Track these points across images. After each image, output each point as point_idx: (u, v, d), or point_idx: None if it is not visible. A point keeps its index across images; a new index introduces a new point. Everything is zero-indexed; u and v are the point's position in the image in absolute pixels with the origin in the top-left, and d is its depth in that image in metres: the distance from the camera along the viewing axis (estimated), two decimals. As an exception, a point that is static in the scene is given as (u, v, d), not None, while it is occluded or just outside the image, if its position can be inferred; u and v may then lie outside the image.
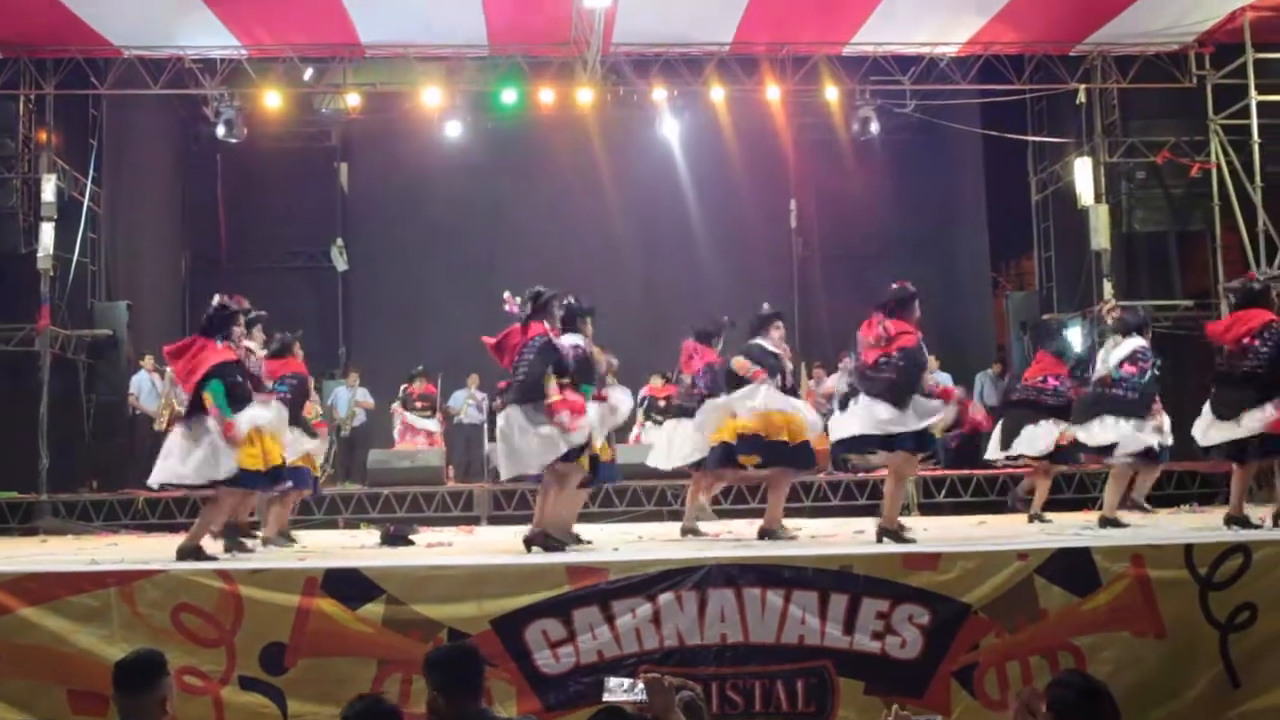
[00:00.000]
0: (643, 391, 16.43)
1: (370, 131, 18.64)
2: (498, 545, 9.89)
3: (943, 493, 14.88)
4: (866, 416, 8.72)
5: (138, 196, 17.89)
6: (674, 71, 16.80)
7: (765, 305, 10.40)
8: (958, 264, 19.46)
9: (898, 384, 8.64)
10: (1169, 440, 10.79)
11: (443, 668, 5.28)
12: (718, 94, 16.92)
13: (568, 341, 9.00)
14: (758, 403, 9.45)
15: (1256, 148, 15.68)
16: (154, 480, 8.66)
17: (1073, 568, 7.13)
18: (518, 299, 9.05)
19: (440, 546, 9.95)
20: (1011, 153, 18.48)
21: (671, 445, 10.77)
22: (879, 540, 8.60)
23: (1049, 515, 11.81)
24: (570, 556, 7.74)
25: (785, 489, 10.18)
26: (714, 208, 18.90)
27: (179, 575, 6.84)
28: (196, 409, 8.47)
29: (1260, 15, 15.17)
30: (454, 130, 17.54)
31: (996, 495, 14.58)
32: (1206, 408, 9.64)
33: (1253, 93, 15.63)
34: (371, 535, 11.05)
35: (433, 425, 16.13)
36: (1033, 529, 10.48)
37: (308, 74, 16.81)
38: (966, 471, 14.84)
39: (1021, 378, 12.25)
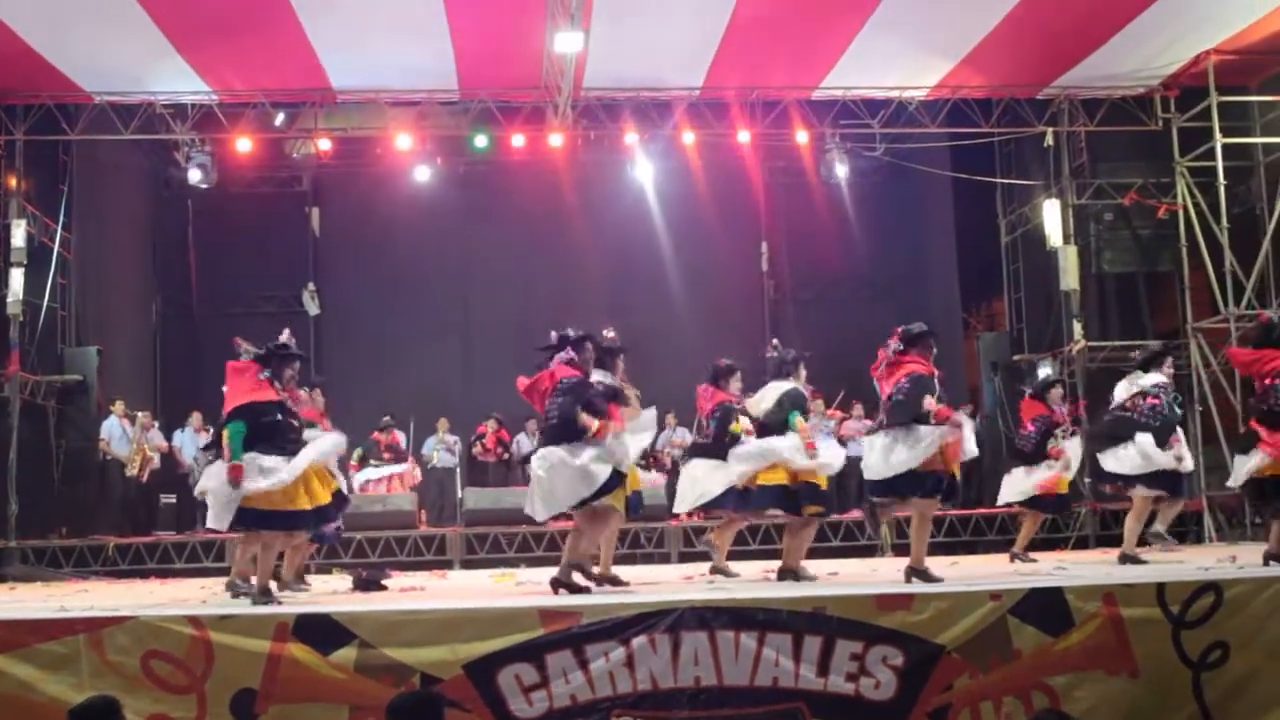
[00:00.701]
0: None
1: (342, 176, 18.68)
2: (470, 589, 9.87)
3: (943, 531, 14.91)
4: (883, 459, 8.90)
5: (108, 241, 17.85)
6: (645, 115, 16.91)
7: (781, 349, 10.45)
8: (928, 305, 19.49)
9: (902, 405, 8.84)
10: (1188, 468, 10.94)
11: (404, 715, 5.27)
12: (689, 137, 17.02)
13: (594, 378, 8.97)
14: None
15: (1222, 189, 15.85)
16: (217, 524, 8.55)
17: (1046, 607, 7.13)
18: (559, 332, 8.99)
19: (413, 591, 9.90)
20: (980, 195, 18.64)
21: (697, 486, 10.62)
22: (907, 580, 8.60)
23: (1033, 556, 11.90)
24: (543, 600, 7.71)
25: (812, 531, 10.20)
26: (686, 250, 18.95)
27: (148, 622, 6.78)
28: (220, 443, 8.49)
29: (1224, 59, 15.37)
30: (425, 175, 17.59)
31: (970, 535, 14.63)
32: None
33: (1217, 135, 15.80)
34: (344, 580, 10.99)
35: (398, 467, 16.03)
36: (1006, 569, 10.49)
37: (279, 119, 16.86)
38: (939, 512, 14.83)
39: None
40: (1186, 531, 15.33)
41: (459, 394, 18.01)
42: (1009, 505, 12.32)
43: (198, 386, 18.61)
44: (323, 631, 6.77)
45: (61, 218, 16.77)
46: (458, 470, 16.70)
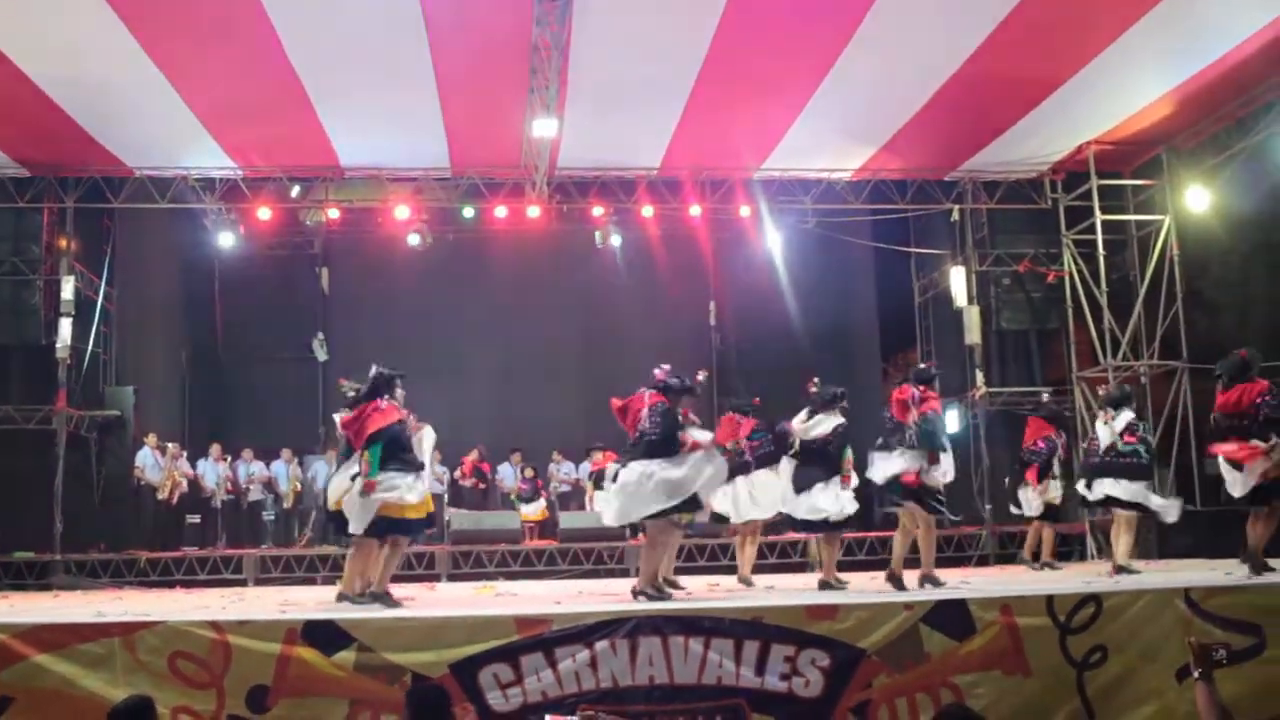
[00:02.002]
0: (590, 466, 16.43)
1: (348, 241, 18.63)
2: (455, 599, 9.79)
3: (842, 550, 14.86)
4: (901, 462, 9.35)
5: (144, 295, 17.77)
6: (610, 192, 16.94)
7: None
8: (853, 356, 19.59)
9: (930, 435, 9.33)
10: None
11: (419, 703, 5.25)
12: (648, 211, 17.03)
13: None
14: None
15: (1101, 259, 15.99)
16: (355, 529, 8.67)
17: (952, 616, 7.13)
18: (667, 367, 9.05)
19: (406, 600, 9.81)
20: (897, 262, 18.77)
21: (739, 501, 10.90)
22: (921, 586, 8.94)
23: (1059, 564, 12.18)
24: (520, 609, 7.67)
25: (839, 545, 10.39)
26: (644, 307, 18.96)
27: (175, 626, 6.71)
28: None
29: (1102, 148, 15.56)
30: (420, 240, 17.55)
31: (885, 554, 14.59)
32: (1227, 467, 9.60)
33: (1097, 213, 15.96)
34: (345, 591, 10.88)
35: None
36: (913, 584, 10.45)
37: (294, 191, 16.81)
38: (861, 534, 14.83)
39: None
40: (1071, 551, 15.39)
41: (449, 430, 17.75)
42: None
43: (220, 422, 18.57)
44: (327, 636, 6.73)
45: (104, 274, 16.79)
46: (444, 495, 16.60)
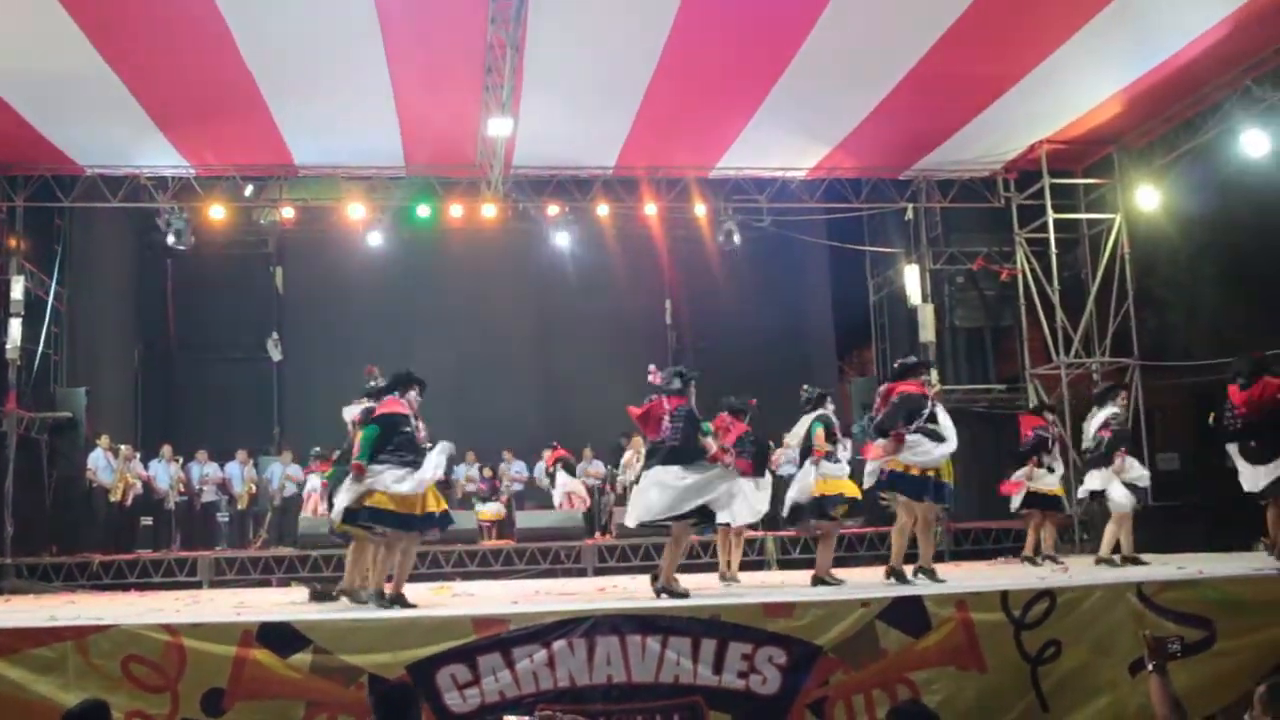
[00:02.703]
0: (545, 463, 16.40)
1: (302, 240, 18.50)
2: (412, 600, 9.72)
3: (797, 550, 14.93)
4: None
5: (96, 295, 17.58)
6: (565, 191, 16.92)
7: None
8: (808, 354, 19.66)
9: (890, 415, 9.48)
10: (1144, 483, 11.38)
11: (388, 704, 5.23)
12: (603, 210, 17.04)
13: None
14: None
15: (1054, 257, 16.15)
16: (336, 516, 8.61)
17: (908, 613, 7.19)
18: (661, 371, 9.10)
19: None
20: (852, 260, 18.85)
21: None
22: (915, 576, 9.06)
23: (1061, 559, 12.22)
24: (478, 609, 7.64)
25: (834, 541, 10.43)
26: (600, 307, 18.95)
27: (128, 630, 6.66)
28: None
29: (1054, 148, 15.70)
30: (375, 240, 17.45)
31: (843, 552, 14.64)
32: (1244, 461, 9.92)
33: (1049, 211, 16.12)
34: (301, 592, 10.81)
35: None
36: (875, 580, 10.45)
37: (248, 190, 16.71)
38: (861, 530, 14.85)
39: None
40: (1023, 547, 15.48)
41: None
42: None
43: (173, 423, 18.41)
44: (282, 638, 6.70)
45: (55, 274, 16.60)
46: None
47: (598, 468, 17.52)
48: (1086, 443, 11.60)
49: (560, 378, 18.72)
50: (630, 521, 8.87)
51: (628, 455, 17.02)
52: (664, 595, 8.22)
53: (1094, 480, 11.34)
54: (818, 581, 9.73)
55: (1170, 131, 15.24)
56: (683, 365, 9.34)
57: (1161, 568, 9.85)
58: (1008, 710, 7.05)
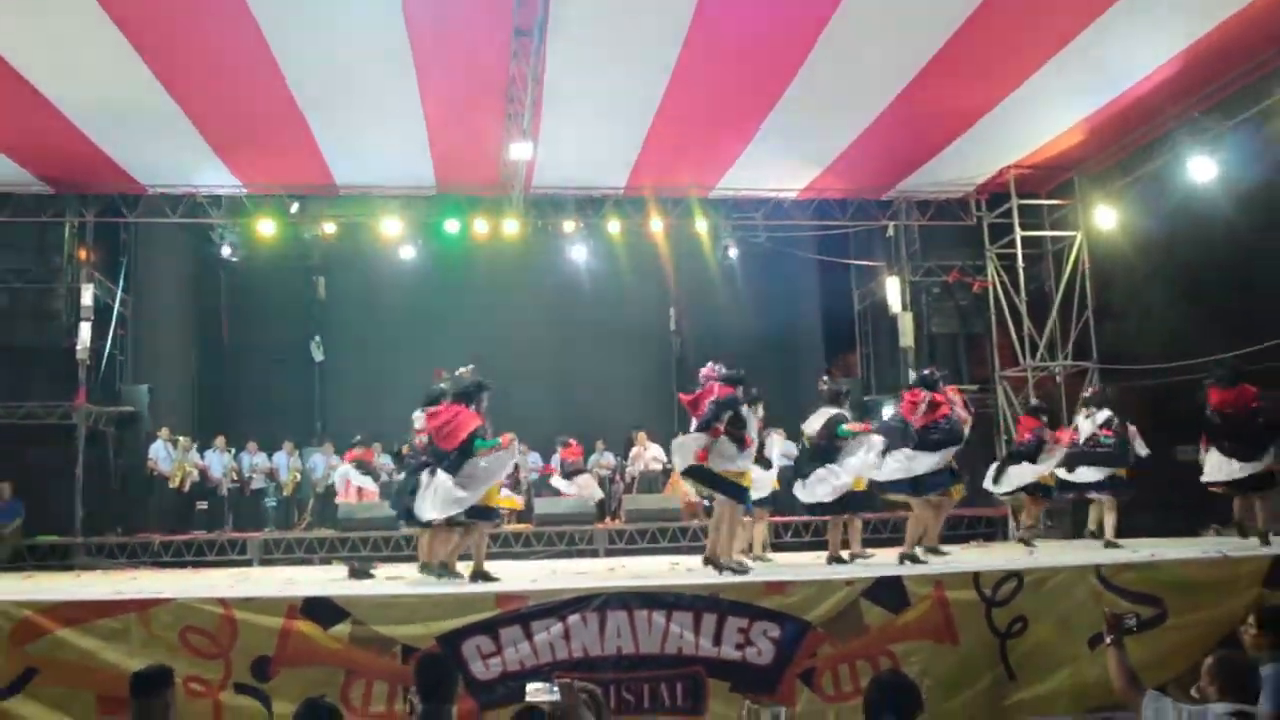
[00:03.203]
0: (557, 456, 16.38)
1: (342, 253, 18.47)
2: (428, 575, 9.72)
3: (789, 534, 14.92)
4: (906, 465, 9.61)
5: (157, 302, 17.69)
6: (580, 208, 16.95)
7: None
8: (798, 357, 19.62)
9: (940, 443, 9.51)
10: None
11: (428, 671, 5.23)
12: (614, 226, 17.01)
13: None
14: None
15: (1021, 271, 16.15)
16: (439, 515, 8.69)
17: (889, 591, 7.17)
18: (718, 367, 9.11)
19: (395, 579, 9.77)
20: (839, 273, 18.84)
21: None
22: (900, 562, 9.02)
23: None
24: (499, 587, 7.64)
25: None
26: (611, 314, 18.91)
27: (186, 603, 6.67)
28: (460, 460, 8.61)
29: (1021, 172, 15.71)
30: (407, 252, 17.46)
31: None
32: (1220, 457, 10.20)
33: (1017, 229, 16.12)
34: (340, 570, 10.83)
35: (368, 483, 15.84)
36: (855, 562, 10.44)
37: (293, 207, 16.68)
38: (806, 518, 14.82)
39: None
40: (995, 532, 15.48)
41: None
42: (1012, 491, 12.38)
43: (226, 416, 18.40)
44: (324, 611, 6.70)
45: (121, 283, 16.74)
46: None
47: (608, 459, 17.51)
48: (1084, 435, 11.66)
49: (574, 378, 18.70)
50: (695, 494, 8.96)
51: (635, 449, 17.06)
52: (726, 572, 8.28)
53: (1101, 473, 11.41)
54: (834, 561, 9.82)
55: (1126, 158, 15.24)
56: (740, 369, 9.30)
57: (1118, 551, 9.85)
58: (979, 680, 7.03)
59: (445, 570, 8.80)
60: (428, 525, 9.03)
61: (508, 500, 16.15)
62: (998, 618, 7.17)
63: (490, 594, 6.97)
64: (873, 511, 12.29)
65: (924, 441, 9.68)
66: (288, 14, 10.71)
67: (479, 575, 8.48)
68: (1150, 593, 7.42)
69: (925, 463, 9.65)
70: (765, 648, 6.89)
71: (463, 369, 9.47)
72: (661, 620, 6.83)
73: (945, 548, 10.59)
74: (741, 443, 8.68)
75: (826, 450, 9.85)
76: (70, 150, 13.93)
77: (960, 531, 14.99)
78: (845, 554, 10.17)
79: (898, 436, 9.83)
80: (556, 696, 4.52)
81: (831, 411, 9.98)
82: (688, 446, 8.75)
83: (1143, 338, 16.34)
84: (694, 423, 8.90)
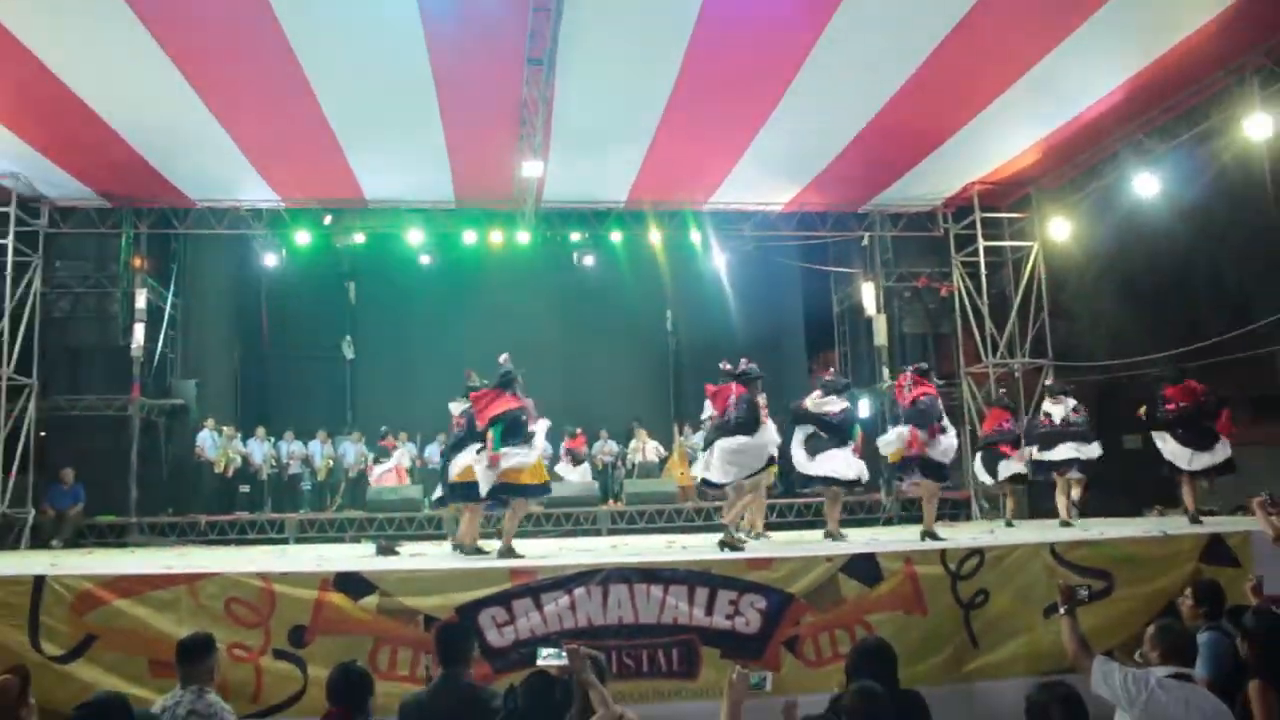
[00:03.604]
0: (564, 445, 16.38)
1: (371, 260, 18.45)
2: (459, 554, 9.73)
3: (774, 515, 14.92)
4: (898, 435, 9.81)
5: (204, 305, 17.69)
6: (586, 221, 16.94)
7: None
8: (782, 355, 19.63)
9: (921, 414, 9.62)
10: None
11: (447, 636, 5.25)
12: (616, 237, 17.03)
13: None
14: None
15: (984, 277, 16.18)
16: (483, 494, 8.68)
17: (864, 567, 7.18)
18: (747, 365, 9.30)
19: (418, 556, 9.78)
20: (819, 278, 18.86)
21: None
22: (922, 539, 9.04)
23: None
24: (512, 562, 7.64)
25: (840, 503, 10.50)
26: (613, 316, 18.93)
27: (229, 576, 6.67)
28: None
29: (984, 187, 15.72)
30: (429, 260, 17.48)
31: (814, 517, 14.60)
32: (1178, 445, 10.42)
33: (980, 240, 16.14)
34: (369, 548, 10.84)
35: (385, 468, 15.91)
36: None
37: (327, 219, 16.68)
38: (789, 500, 14.86)
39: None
40: (959, 513, 15.50)
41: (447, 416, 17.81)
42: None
43: (266, 408, 18.42)
44: (354, 584, 6.70)
45: (171, 287, 16.77)
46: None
47: (611, 447, 17.54)
48: (1057, 419, 11.76)
49: (579, 374, 18.67)
50: (720, 478, 9.03)
51: (635, 443, 17.08)
52: (724, 549, 8.31)
53: (1081, 450, 11.50)
54: (829, 536, 9.92)
55: (1078, 175, 15.25)
56: (754, 364, 9.40)
57: (1069, 530, 9.86)
58: (945, 646, 7.05)
59: (477, 550, 8.84)
60: (477, 501, 8.94)
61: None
62: (962, 590, 7.19)
63: (504, 569, 6.97)
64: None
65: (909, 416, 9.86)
66: (322, 44, 10.72)
67: (507, 552, 8.41)
68: (1099, 567, 7.45)
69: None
70: (753, 618, 6.90)
71: (501, 356, 9.35)
72: (659, 593, 6.83)
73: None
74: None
75: (840, 432, 10.01)
76: (127, 169, 13.94)
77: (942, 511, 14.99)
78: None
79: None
80: (565, 661, 4.55)
81: (846, 403, 10.25)
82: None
83: (1093, 336, 16.42)
84: (709, 411, 9.30)
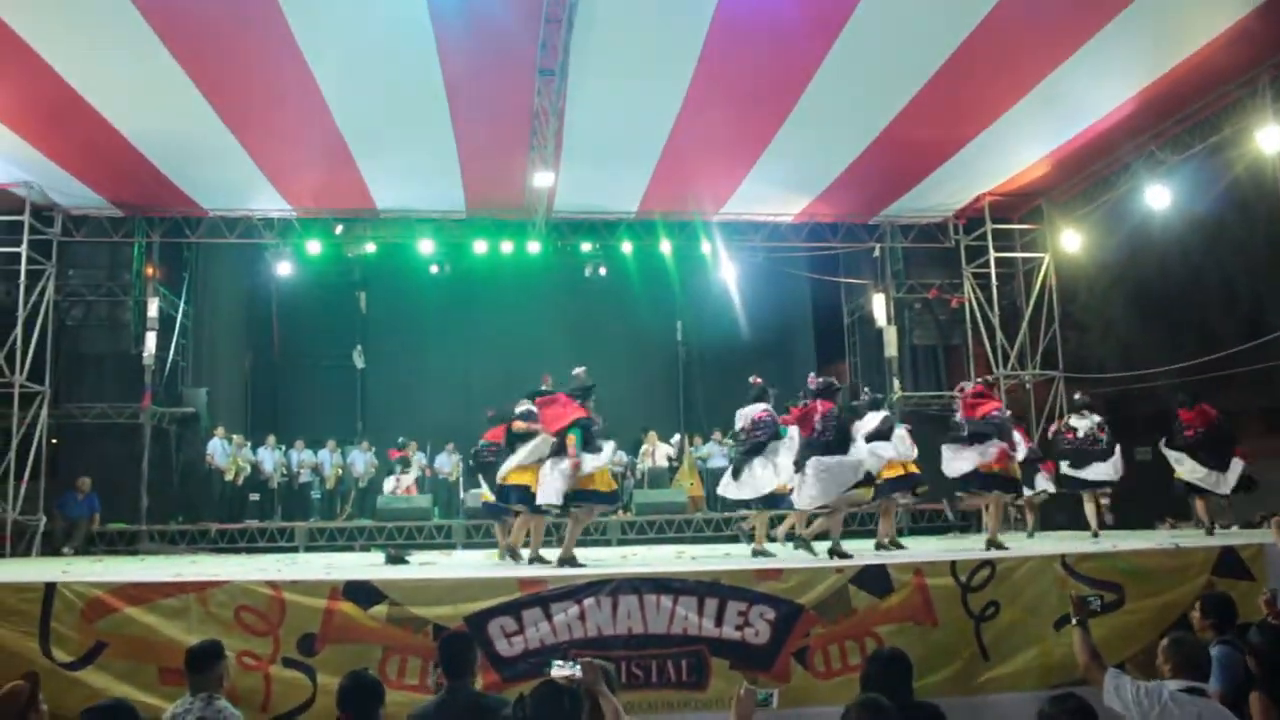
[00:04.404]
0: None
1: (382, 269, 18.51)
2: (469, 564, 9.75)
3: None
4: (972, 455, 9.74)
5: (216, 313, 17.76)
6: (596, 231, 16.96)
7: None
8: (793, 366, 19.55)
9: (990, 436, 9.62)
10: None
11: (451, 647, 5.24)
12: (627, 247, 17.04)
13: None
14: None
15: (994, 288, 16.13)
16: (542, 501, 8.55)
17: (874, 577, 7.14)
18: (819, 379, 9.31)
19: (428, 565, 9.78)
20: (830, 289, 18.80)
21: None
22: (987, 549, 8.93)
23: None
24: (527, 571, 7.63)
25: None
26: (624, 325, 18.93)
27: (239, 584, 6.67)
28: (563, 448, 8.49)
29: (995, 199, 15.69)
30: (440, 270, 17.53)
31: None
32: (1196, 464, 10.79)
33: (991, 251, 16.10)
34: (378, 556, 10.84)
35: (407, 480, 15.97)
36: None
37: (339, 229, 16.73)
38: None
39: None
40: (969, 524, 15.43)
41: (460, 424, 17.80)
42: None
43: (276, 417, 18.47)
44: (364, 593, 6.68)
45: (183, 296, 16.85)
46: (461, 479, 16.56)
47: (621, 457, 17.46)
48: (1081, 433, 11.79)
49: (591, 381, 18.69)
50: (802, 505, 9.02)
51: (645, 448, 17.05)
52: (835, 556, 8.35)
53: (1102, 471, 11.62)
54: (880, 547, 10.00)
55: (1089, 187, 15.22)
56: (833, 378, 9.40)
57: (1080, 543, 9.82)
58: (955, 659, 7.01)
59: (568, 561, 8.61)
60: (536, 511, 8.86)
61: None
62: (973, 602, 7.14)
63: (513, 578, 6.95)
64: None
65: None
66: (335, 54, 10.78)
67: (568, 560, 8.27)
68: (1110, 580, 7.41)
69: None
70: (762, 629, 6.87)
71: (577, 370, 9.30)
72: (669, 603, 6.80)
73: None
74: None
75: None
76: (140, 178, 14.01)
77: (938, 524, 14.95)
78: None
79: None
80: (579, 672, 4.55)
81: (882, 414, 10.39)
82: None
83: (1104, 348, 16.36)
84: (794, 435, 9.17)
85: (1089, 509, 11.62)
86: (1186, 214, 13.81)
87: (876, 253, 17.48)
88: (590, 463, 8.46)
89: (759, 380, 9.63)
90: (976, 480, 9.73)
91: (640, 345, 19.28)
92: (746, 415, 9.68)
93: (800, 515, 9.79)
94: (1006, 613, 7.18)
